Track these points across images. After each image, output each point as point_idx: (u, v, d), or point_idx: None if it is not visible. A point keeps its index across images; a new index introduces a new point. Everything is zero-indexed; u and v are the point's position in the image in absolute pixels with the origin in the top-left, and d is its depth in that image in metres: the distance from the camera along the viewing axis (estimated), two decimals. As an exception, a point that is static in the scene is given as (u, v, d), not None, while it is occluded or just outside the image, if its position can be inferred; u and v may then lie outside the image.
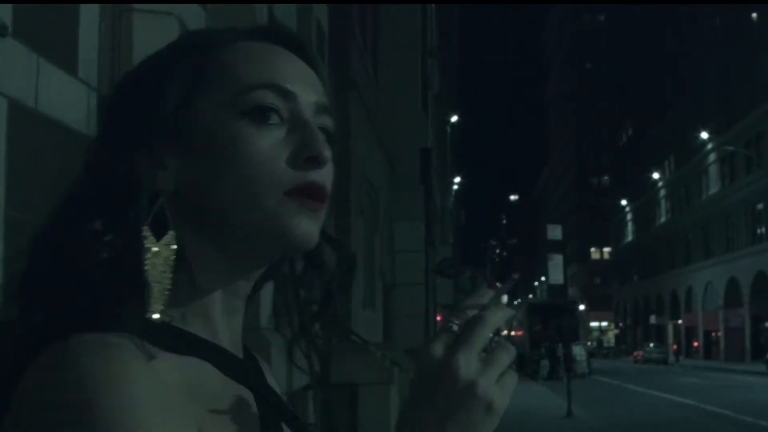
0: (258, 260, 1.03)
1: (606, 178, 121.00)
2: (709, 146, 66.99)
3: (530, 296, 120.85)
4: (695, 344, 72.34)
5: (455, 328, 0.94)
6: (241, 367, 1.02)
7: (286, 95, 0.99)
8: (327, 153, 0.99)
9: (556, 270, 34.84)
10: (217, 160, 0.96)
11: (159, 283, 0.94)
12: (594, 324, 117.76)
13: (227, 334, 1.02)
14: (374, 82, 18.91)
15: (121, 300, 0.90)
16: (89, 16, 5.25)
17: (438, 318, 25.56)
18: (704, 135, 62.85)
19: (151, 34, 6.91)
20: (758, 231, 58.58)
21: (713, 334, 68.24)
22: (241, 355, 1.05)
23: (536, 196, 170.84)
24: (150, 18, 6.19)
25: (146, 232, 0.94)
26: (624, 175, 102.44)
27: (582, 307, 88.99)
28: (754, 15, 62.11)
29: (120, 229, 0.94)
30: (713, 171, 68.21)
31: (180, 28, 6.50)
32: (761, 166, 55.95)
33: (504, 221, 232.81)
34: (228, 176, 0.96)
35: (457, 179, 61.10)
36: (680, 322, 77.13)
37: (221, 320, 1.02)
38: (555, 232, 31.46)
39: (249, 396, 0.98)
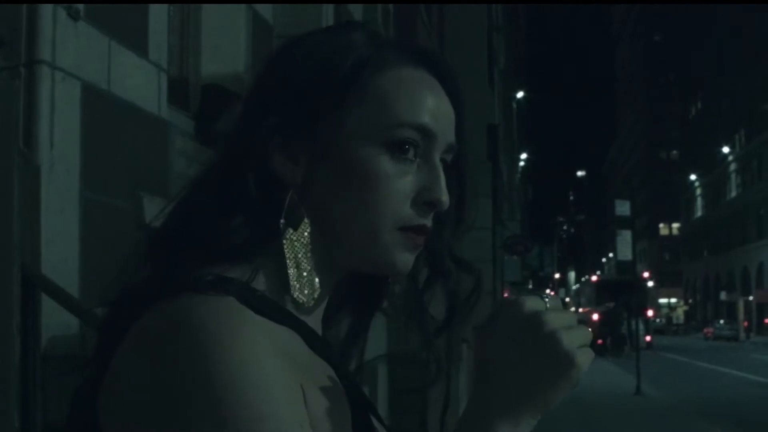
0: (352, 270, 1.07)
1: (675, 152, 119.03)
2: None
3: (598, 273, 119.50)
4: (767, 321, 71.07)
5: (546, 299, 0.95)
6: (326, 344, 1.06)
7: (428, 135, 1.03)
8: (445, 198, 1.03)
9: (624, 246, 34.29)
10: (349, 180, 1.00)
11: (298, 268, 1.00)
12: (663, 300, 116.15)
13: (314, 320, 1.05)
14: (440, 58, 18.84)
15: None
16: (159, -2, 5.31)
17: (505, 295, 25.37)
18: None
19: (220, 17, 6.95)
20: (833, 205, 57.37)
21: (786, 310, 67.11)
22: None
23: (604, 172, 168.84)
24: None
25: (282, 222, 1.00)
26: (693, 149, 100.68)
27: (651, 283, 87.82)
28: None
29: (256, 218, 0.99)
30: (786, 144, 66.85)
31: (247, 12, 6.55)
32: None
33: (572, 197, 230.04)
34: (355, 198, 1.00)
35: (524, 155, 60.62)
36: (751, 298, 75.80)
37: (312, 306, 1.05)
38: (623, 207, 30.96)
39: (331, 371, 1.01)
